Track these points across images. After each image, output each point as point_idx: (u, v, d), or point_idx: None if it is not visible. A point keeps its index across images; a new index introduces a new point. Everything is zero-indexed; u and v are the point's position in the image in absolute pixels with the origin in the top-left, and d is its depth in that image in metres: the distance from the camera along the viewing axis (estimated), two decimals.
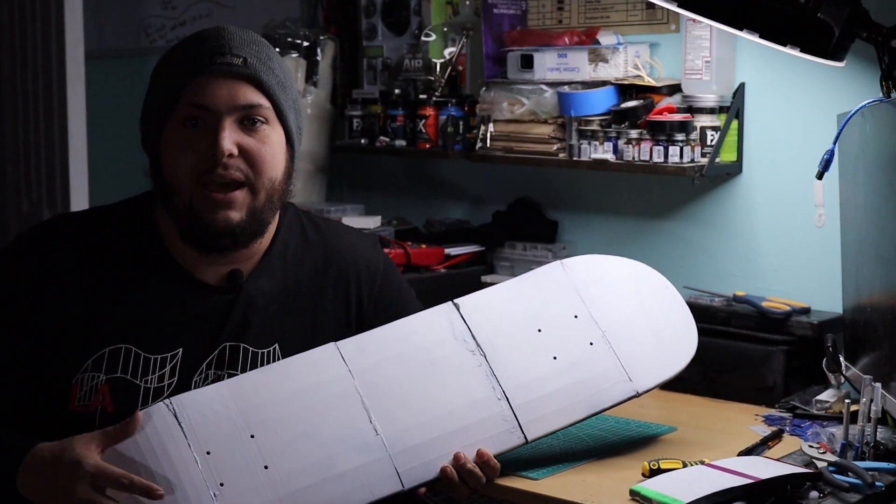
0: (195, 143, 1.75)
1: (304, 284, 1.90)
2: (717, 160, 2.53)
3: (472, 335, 1.89)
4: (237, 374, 1.80)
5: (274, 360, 1.83)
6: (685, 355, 2.00)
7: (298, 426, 1.73)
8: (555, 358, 1.91)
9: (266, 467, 1.69)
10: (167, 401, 1.70)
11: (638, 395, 1.94)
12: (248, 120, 1.77)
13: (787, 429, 2.17)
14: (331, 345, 1.82)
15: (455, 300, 1.92)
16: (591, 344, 1.94)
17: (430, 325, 1.88)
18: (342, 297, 1.93)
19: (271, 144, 1.79)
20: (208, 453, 1.67)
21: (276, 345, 1.85)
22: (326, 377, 1.78)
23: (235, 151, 1.75)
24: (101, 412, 1.74)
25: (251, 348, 1.83)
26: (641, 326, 1.99)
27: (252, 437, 1.70)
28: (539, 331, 1.93)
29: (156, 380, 1.77)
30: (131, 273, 1.80)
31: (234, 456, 1.68)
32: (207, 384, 1.78)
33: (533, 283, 1.99)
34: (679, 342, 2.01)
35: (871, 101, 2.03)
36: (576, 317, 1.96)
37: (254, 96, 1.77)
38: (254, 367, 1.82)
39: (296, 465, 1.70)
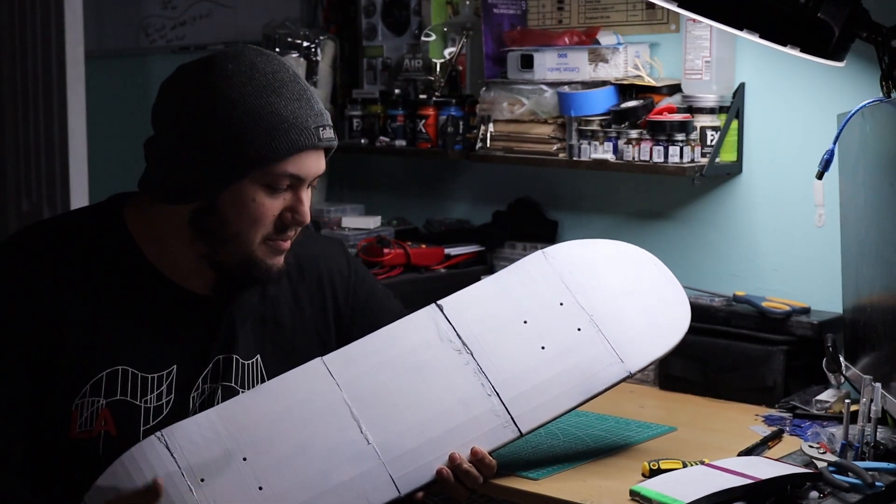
0: (274, 208, 1.74)
1: (282, 295, 1.89)
2: (717, 160, 2.53)
3: (457, 334, 1.88)
4: (231, 386, 1.80)
5: (257, 371, 1.84)
6: (678, 331, 1.97)
7: (289, 444, 1.73)
8: (543, 348, 1.90)
9: (260, 488, 1.69)
10: (158, 433, 1.69)
11: (631, 376, 1.91)
12: (310, 184, 1.79)
13: (787, 429, 2.17)
14: (317, 360, 1.82)
15: (438, 301, 1.92)
16: (579, 330, 1.93)
17: (415, 328, 1.88)
18: (318, 306, 1.93)
19: (311, 202, 1.82)
20: (202, 480, 1.67)
21: (258, 356, 1.85)
22: (314, 392, 1.78)
23: None
24: (104, 436, 1.71)
25: (240, 359, 1.82)
26: (630, 306, 1.97)
27: (244, 459, 1.70)
28: (525, 322, 1.93)
29: (154, 399, 1.75)
30: (115, 287, 1.75)
31: (228, 480, 1.68)
32: (204, 399, 1.78)
33: (516, 276, 1.98)
34: (672, 318, 1.98)
35: (871, 101, 2.02)
36: (561, 304, 1.95)
37: (324, 165, 1.81)
38: (243, 377, 1.82)
39: (290, 482, 1.70)
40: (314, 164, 1.76)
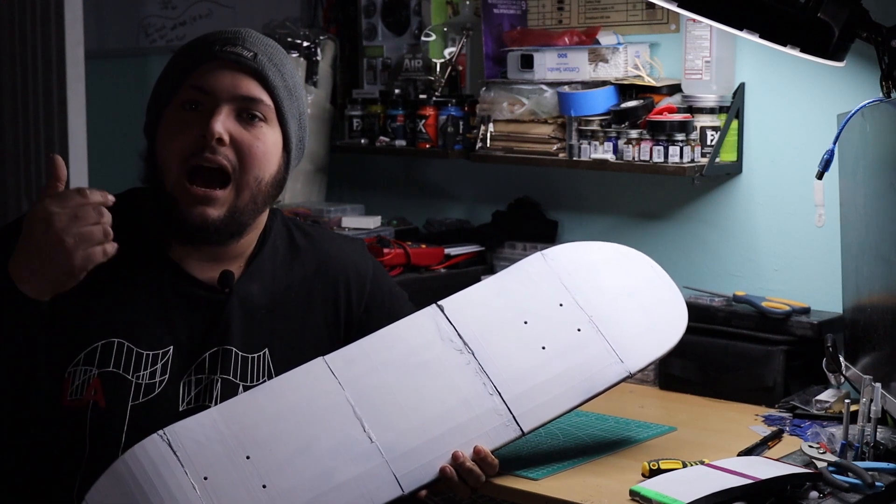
0: (190, 125, 1.75)
1: (293, 291, 1.89)
2: (717, 160, 2.53)
3: (459, 334, 1.89)
4: (230, 379, 1.80)
5: (263, 366, 1.84)
6: (676, 331, 1.98)
7: (293, 442, 1.73)
8: (543, 348, 1.91)
9: (264, 486, 1.69)
10: (161, 431, 1.70)
11: (631, 376, 1.92)
12: (247, 113, 1.77)
13: (787, 429, 2.17)
14: (319, 359, 1.82)
15: (439, 302, 1.92)
16: (579, 330, 1.94)
17: (416, 329, 1.89)
18: (331, 303, 1.93)
19: (265, 142, 1.78)
20: (205, 479, 1.68)
21: (266, 350, 1.84)
22: (317, 392, 1.79)
23: (226, 138, 1.74)
24: (92, 406, 1.73)
25: (241, 353, 1.82)
26: (629, 307, 1.98)
27: (248, 458, 1.71)
28: (525, 323, 1.93)
29: (147, 376, 1.76)
30: (122, 265, 1.76)
31: (231, 478, 1.69)
32: (200, 389, 1.78)
33: (515, 277, 1.99)
34: (670, 319, 1.99)
35: (871, 101, 2.03)
36: (561, 305, 1.96)
37: (256, 90, 1.77)
38: (244, 371, 1.82)
39: (293, 481, 1.70)
40: (220, 77, 1.76)
